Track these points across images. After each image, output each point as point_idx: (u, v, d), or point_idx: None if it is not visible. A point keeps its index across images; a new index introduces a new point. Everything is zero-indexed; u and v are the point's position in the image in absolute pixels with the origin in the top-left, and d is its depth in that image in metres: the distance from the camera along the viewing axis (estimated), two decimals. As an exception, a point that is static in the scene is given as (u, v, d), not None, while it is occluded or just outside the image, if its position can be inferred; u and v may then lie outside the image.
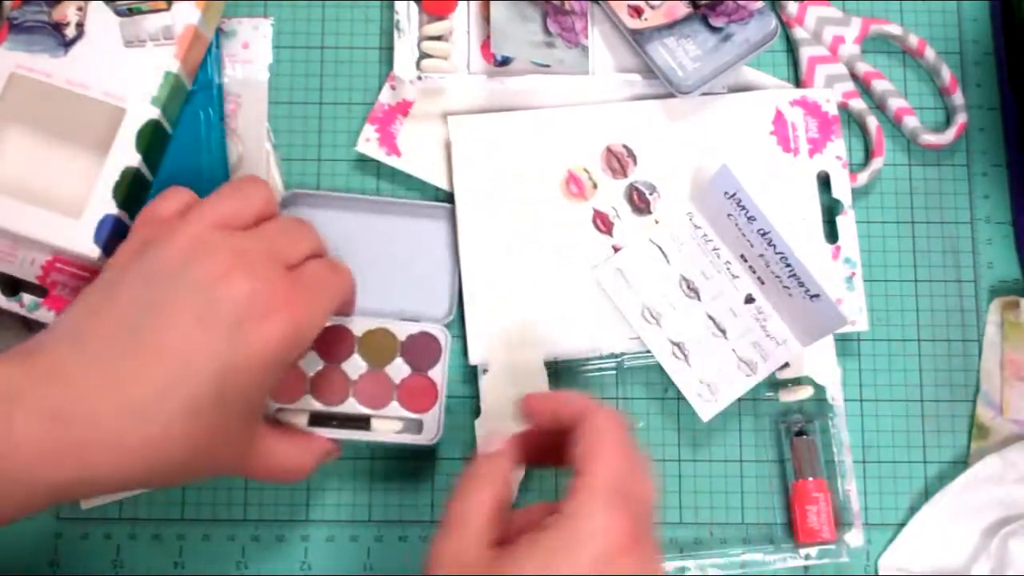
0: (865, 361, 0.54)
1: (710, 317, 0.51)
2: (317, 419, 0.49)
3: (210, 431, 0.39)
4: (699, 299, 0.52)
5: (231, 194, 0.42)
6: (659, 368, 0.51)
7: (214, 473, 0.42)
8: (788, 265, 0.49)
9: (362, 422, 0.49)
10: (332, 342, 0.50)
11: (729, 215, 0.50)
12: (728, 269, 0.52)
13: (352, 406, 0.49)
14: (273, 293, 0.39)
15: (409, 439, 0.49)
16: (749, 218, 0.49)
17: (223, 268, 0.38)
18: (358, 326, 0.51)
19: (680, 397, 0.51)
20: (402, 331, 0.51)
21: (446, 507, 0.38)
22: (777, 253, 0.49)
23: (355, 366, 0.50)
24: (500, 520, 0.38)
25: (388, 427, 0.50)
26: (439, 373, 0.50)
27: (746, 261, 0.51)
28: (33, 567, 0.50)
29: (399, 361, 0.50)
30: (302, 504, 0.51)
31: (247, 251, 0.40)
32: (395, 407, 0.50)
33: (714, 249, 0.52)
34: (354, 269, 0.45)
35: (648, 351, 0.51)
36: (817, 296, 0.48)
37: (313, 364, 0.50)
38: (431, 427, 0.50)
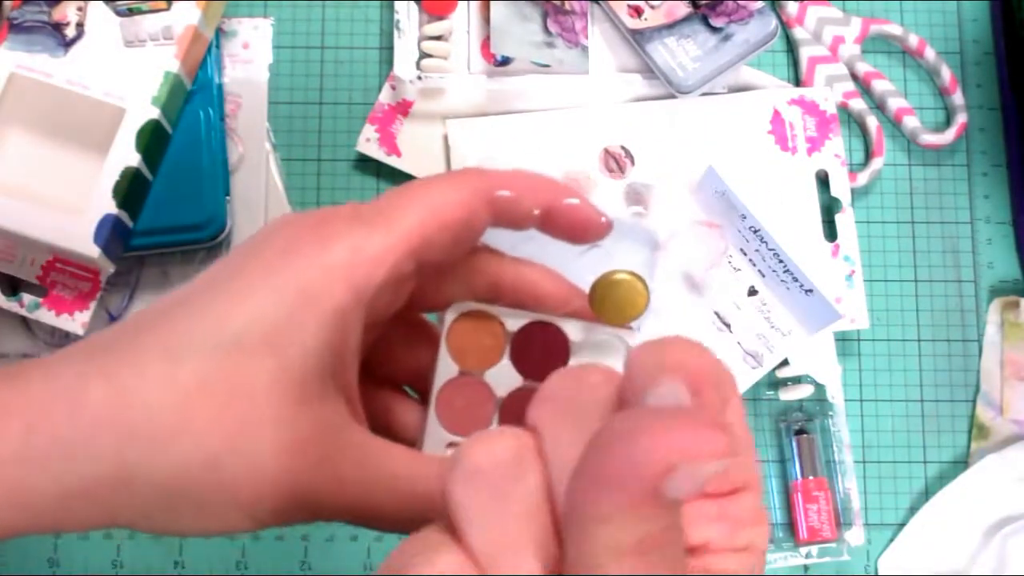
0: (865, 361, 0.54)
1: (714, 312, 0.51)
2: None
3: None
4: (701, 294, 0.52)
5: None
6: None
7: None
8: (781, 261, 0.49)
9: None
10: (537, 349, 0.34)
11: (723, 212, 0.50)
12: (729, 263, 0.52)
13: None
14: None
15: None
16: (740, 216, 0.49)
17: None
18: (575, 329, 0.34)
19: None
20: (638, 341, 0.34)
21: None
22: (770, 249, 0.49)
23: None
24: None
25: None
26: None
27: (746, 255, 0.51)
28: (33, 567, 0.50)
29: None
30: (302, 504, 0.51)
31: None
32: None
33: (714, 246, 0.52)
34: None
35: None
36: (811, 291, 0.48)
37: (506, 380, 0.33)
38: None
